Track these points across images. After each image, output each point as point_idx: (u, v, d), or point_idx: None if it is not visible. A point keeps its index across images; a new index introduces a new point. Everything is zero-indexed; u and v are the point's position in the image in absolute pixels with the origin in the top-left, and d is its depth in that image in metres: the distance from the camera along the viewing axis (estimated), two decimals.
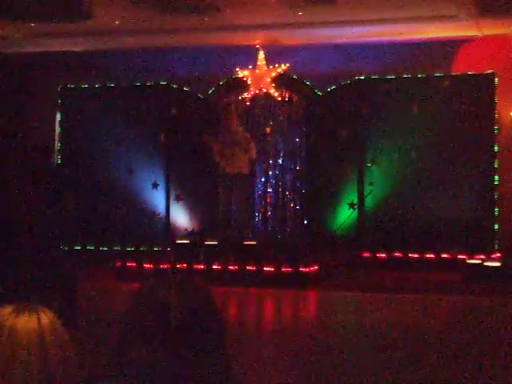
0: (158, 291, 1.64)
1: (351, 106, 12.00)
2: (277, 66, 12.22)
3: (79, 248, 12.63)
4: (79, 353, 1.83)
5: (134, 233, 12.44)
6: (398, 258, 11.44)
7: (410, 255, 11.40)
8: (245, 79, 12.32)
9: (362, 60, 12.10)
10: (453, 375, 5.52)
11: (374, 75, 12.02)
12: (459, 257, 10.93)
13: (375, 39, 11.93)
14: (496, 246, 11.35)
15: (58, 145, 13.17)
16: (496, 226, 11.48)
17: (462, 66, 11.88)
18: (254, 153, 11.48)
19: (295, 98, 12.50)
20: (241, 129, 11.56)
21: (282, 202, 12.58)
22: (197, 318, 1.61)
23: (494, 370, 5.95)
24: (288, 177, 12.57)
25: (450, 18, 10.97)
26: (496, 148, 11.56)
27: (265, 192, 12.62)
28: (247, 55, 12.15)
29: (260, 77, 12.25)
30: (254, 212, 12.54)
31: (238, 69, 12.27)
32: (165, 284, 1.66)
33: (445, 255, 11.26)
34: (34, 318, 1.71)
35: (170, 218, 12.65)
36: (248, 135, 11.63)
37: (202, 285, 1.69)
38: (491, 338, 7.24)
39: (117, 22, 11.51)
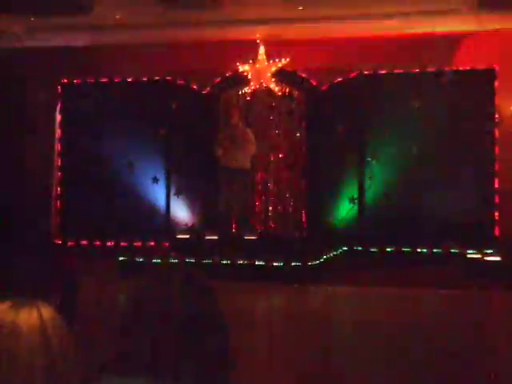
0: (157, 285, 1.64)
1: (352, 101, 11.99)
2: (277, 60, 12.21)
3: (78, 242, 12.65)
4: (80, 347, 1.83)
5: (134, 228, 12.44)
6: (398, 252, 11.46)
7: (410, 250, 11.42)
8: (245, 74, 12.31)
9: (362, 55, 12.09)
10: (452, 370, 5.53)
11: (375, 70, 12.00)
12: (459, 251, 10.95)
13: (376, 34, 11.91)
14: (496, 241, 11.35)
15: (58, 140, 13.15)
16: (496, 221, 11.47)
17: (463, 61, 11.86)
18: (253, 148, 11.52)
19: (296, 92, 12.49)
20: (241, 124, 11.56)
21: (283, 197, 12.58)
22: (197, 311, 1.61)
23: (493, 364, 5.96)
24: (288, 171, 12.56)
25: (451, 12, 10.96)
26: (496, 142, 11.56)
27: (265, 187, 12.62)
28: (248, 50, 12.13)
29: (260, 71, 12.23)
30: (254, 207, 12.54)
31: (238, 63, 12.25)
32: (164, 278, 1.66)
33: (445, 250, 11.28)
34: (34, 312, 1.71)
35: (171, 213, 12.64)
36: (248, 130, 11.63)
37: (202, 278, 1.69)
38: (491, 332, 7.25)
39: (117, 17, 11.50)
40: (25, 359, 1.66)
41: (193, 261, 10.23)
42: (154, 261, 10.39)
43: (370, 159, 11.97)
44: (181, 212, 12.61)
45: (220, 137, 11.39)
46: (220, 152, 11.30)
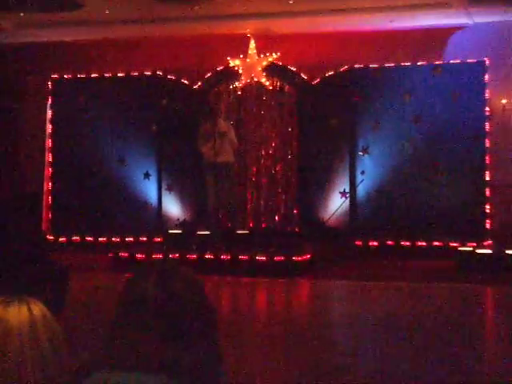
0: (143, 281, 1.65)
1: (343, 95, 12.00)
2: (268, 54, 12.20)
3: (69, 238, 12.63)
4: (70, 343, 1.83)
5: (126, 223, 12.44)
6: (390, 246, 11.49)
7: (402, 243, 11.46)
8: (236, 68, 12.30)
9: (353, 48, 12.08)
10: (446, 362, 5.55)
11: (366, 64, 12.00)
12: (451, 244, 10.99)
13: (366, 27, 11.92)
14: (488, 234, 11.39)
15: (49, 135, 13.11)
16: (487, 213, 11.50)
17: (453, 54, 11.88)
18: (235, 142, 11.47)
19: (286, 86, 12.48)
20: (221, 118, 11.47)
21: (274, 191, 12.58)
22: (183, 305, 1.62)
23: (485, 356, 5.99)
24: (280, 166, 12.56)
25: (441, 5, 10.97)
26: (486, 135, 11.58)
27: (257, 181, 12.62)
28: (238, 44, 12.11)
29: (251, 66, 12.22)
30: (245, 201, 12.54)
31: (229, 58, 12.24)
32: (150, 273, 1.67)
33: (437, 243, 11.32)
34: (24, 308, 1.71)
35: (162, 208, 12.64)
36: (229, 124, 11.57)
37: (188, 273, 1.69)
38: (483, 324, 7.28)
39: (107, 12, 11.46)
40: (15, 355, 1.66)
41: (185, 256, 10.22)
42: (145, 256, 10.37)
43: (361, 153, 12.00)
44: (173, 207, 12.61)
45: (202, 132, 11.29)
46: (204, 148, 11.22)
